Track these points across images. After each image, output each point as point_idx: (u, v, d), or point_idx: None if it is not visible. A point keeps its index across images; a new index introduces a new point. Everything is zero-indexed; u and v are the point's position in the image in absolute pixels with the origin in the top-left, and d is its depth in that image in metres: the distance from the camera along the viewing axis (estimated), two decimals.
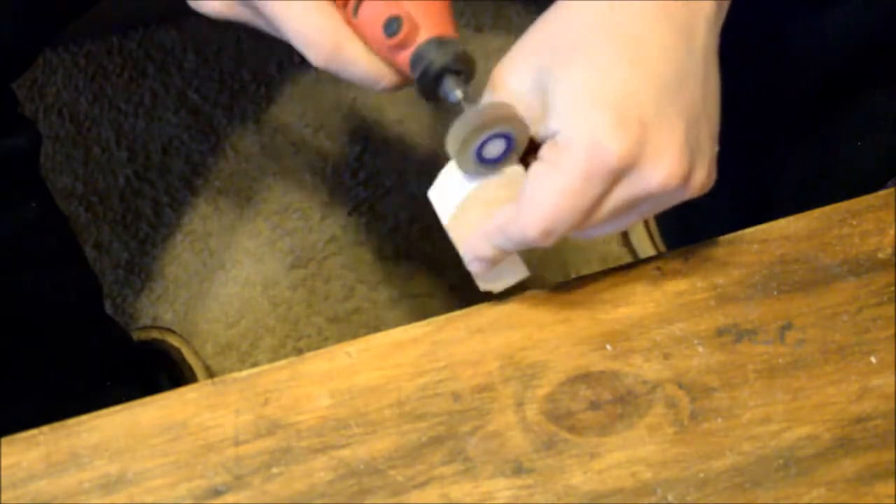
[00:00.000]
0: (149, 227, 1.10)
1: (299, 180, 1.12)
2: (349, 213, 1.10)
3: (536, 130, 0.43)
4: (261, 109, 1.15)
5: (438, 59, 0.44)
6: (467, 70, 0.45)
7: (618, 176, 0.41)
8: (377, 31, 0.44)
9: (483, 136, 0.42)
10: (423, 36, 0.44)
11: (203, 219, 1.10)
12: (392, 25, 0.44)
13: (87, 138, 1.13)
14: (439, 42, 0.44)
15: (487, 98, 0.44)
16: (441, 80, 0.44)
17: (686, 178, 0.42)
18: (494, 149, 0.43)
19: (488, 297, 0.48)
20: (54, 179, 1.11)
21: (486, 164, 0.44)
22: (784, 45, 0.70)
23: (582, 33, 0.42)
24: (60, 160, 1.12)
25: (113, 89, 1.15)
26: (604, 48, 0.41)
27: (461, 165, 0.44)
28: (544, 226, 0.42)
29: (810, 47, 0.68)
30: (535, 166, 0.42)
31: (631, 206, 0.43)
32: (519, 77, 0.44)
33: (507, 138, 0.43)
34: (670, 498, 0.43)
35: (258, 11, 0.45)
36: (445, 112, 1.14)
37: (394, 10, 0.44)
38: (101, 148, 1.13)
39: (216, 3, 0.47)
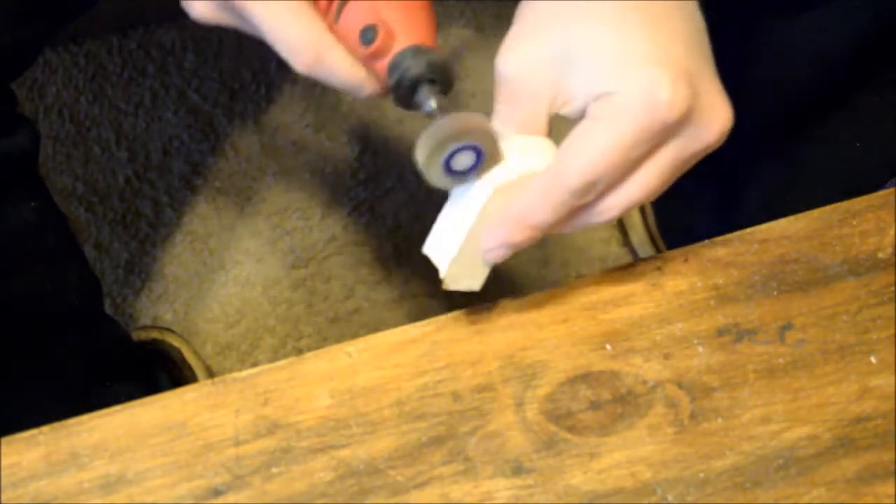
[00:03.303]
0: (149, 227, 1.10)
1: (299, 180, 1.12)
2: (349, 213, 1.10)
3: (563, 104, 0.43)
4: (261, 109, 1.15)
5: (412, 68, 0.44)
6: (444, 80, 0.45)
7: (671, 132, 0.42)
8: (355, 39, 0.44)
9: (451, 148, 0.42)
10: (399, 45, 0.44)
11: (203, 219, 1.10)
12: (368, 34, 0.44)
13: (87, 138, 1.13)
14: (415, 51, 0.44)
15: (498, 89, 0.44)
16: (416, 89, 0.44)
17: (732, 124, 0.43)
18: (463, 160, 0.43)
19: (488, 297, 0.48)
20: (54, 179, 1.11)
21: (455, 177, 0.44)
22: (778, 46, 0.70)
23: (593, 5, 0.42)
24: (60, 160, 1.12)
25: (113, 89, 1.15)
26: (624, 14, 0.42)
27: (429, 176, 0.43)
28: (589, 177, 0.41)
29: (804, 48, 0.68)
30: (583, 123, 0.42)
31: (683, 162, 0.43)
32: (526, 59, 0.43)
33: (477, 150, 0.43)
34: (670, 498, 0.43)
35: (243, 17, 0.45)
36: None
37: (371, 18, 0.44)
38: (101, 148, 1.13)
39: (202, 6, 0.47)
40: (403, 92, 0.44)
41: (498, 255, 0.45)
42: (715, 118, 0.42)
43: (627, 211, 0.44)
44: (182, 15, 0.48)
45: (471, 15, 1.20)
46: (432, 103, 0.44)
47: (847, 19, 0.65)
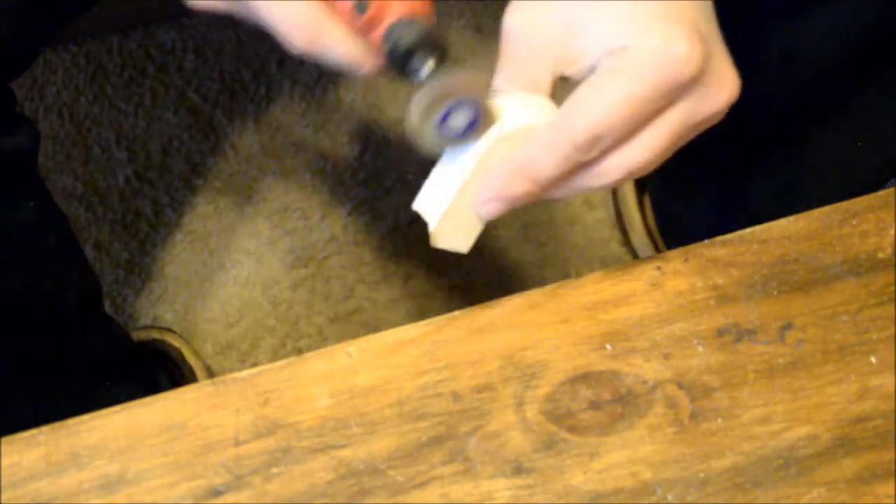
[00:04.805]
0: (149, 227, 1.10)
1: (299, 180, 1.12)
2: (349, 213, 1.10)
3: (569, 64, 0.43)
4: (261, 109, 1.15)
5: (406, 36, 0.43)
6: (438, 50, 0.44)
7: (683, 90, 0.41)
8: (350, 11, 0.44)
9: (444, 107, 0.41)
10: (393, 15, 0.44)
11: (203, 219, 1.10)
12: (362, 3, 0.44)
13: (87, 138, 1.13)
14: (409, 21, 0.44)
15: (503, 49, 0.44)
16: (409, 58, 0.44)
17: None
18: (458, 121, 0.42)
19: (489, 297, 0.48)
20: (54, 179, 1.11)
21: (450, 138, 0.43)
22: (779, 46, 0.70)
23: None
24: (60, 160, 1.12)
25: (113, 89, 1.15)
26: None
27: (422, 138, 0.43)
28: (596, 130, 0.41)
29: (805, 48, 0.68)
30: (595, 76, 0.42)
31: (690, 127, 0.43)
32: (534, 18, 0.43)
33: (473, 108, 0.42)
34: (670, 498, 0.43)
35: (240, 1, 0.45)
36: None
37: None
38: (101, 148, 1.13)
39: None
40: (396, 61, 0.44)
41: (492, 209, 0.44)
42: (725, 83, 0.42)
43: (628, 178, 0.43)
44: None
45: (470, 15, 1.20)
46: (427, 69, 0.43)
47: (848, 20, 0.65)
